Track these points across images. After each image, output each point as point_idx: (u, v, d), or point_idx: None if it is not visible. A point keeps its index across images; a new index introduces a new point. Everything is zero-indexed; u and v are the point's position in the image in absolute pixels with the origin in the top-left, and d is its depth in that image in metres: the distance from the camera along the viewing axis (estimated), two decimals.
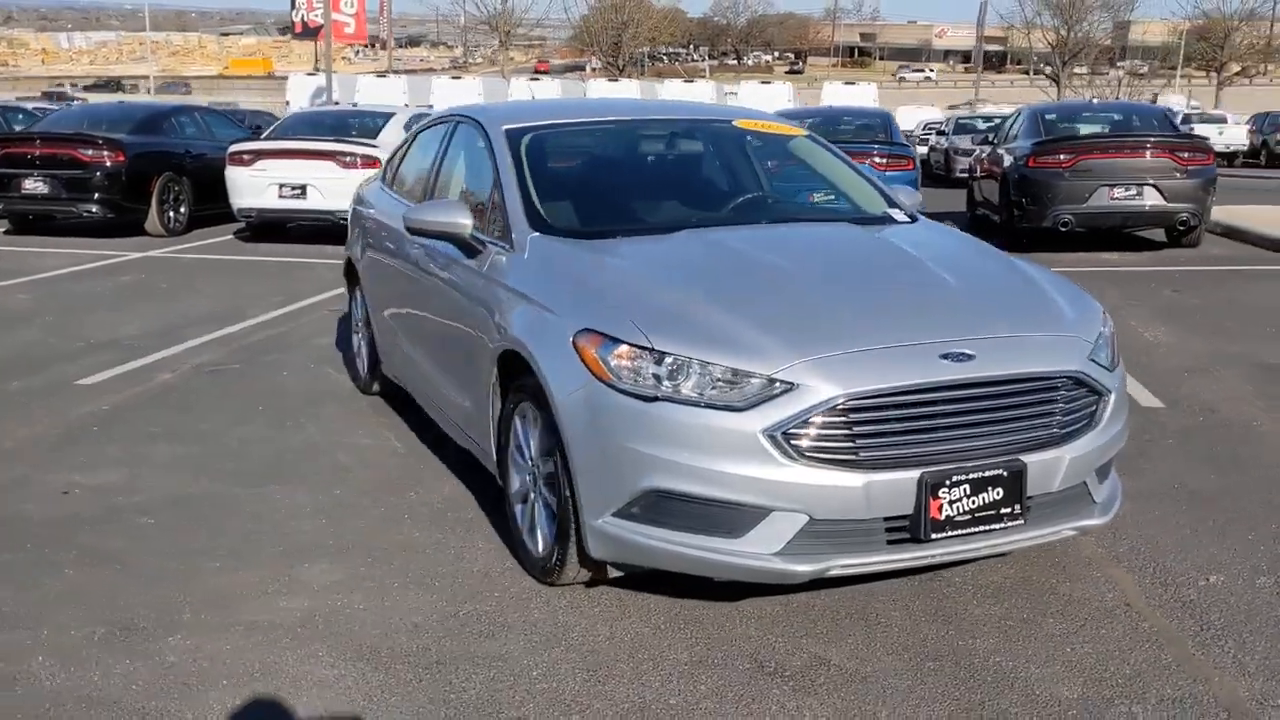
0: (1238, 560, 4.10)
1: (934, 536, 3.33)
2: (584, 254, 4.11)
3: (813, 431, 3.25)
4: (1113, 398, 3.67)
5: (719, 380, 3.31)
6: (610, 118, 5.36)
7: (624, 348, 3.44)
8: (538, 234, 4.24)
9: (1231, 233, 14.09)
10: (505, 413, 4.10)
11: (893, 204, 4.91)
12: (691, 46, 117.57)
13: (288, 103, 31.44)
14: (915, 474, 3.28)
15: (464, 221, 4.44)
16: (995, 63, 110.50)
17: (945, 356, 3.38)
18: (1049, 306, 3.84)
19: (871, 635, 3.54)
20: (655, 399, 3.35)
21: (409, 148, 6.16)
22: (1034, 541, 3.58)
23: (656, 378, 3.37)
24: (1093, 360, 3.64)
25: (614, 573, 3.71)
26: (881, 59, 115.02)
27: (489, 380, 4.19)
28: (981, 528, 3.39)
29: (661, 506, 3.38)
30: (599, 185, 4.96)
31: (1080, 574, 3.97)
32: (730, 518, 3.32)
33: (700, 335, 3.41)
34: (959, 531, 3.36)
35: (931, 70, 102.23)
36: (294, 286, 10.37)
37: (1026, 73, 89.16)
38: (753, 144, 5.33)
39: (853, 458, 3.26)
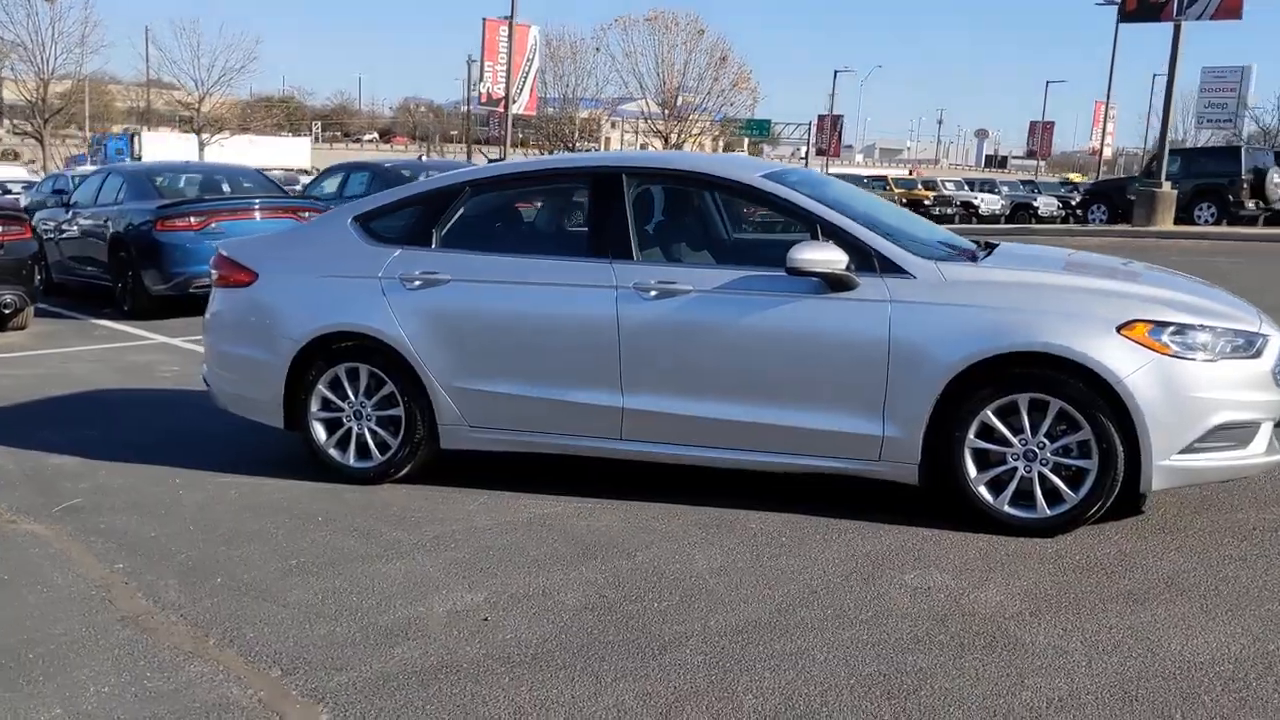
0: None
1: None
2: (992, 271, 5.03)
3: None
4: None
5: (1237, 340, 4.80)
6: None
7: (1172, 328, 4.71)
8: (934, 262, 5.00)
9: None
10: (964, 412, 4.82)
11: None
12: None
13: None
14: None
15: (844, 258, 4.92)
16: None
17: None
18: None
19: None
20: (1215, 360, 4.71)
21: (461, 208, 5.67)
22: None
23: (1204, 345, 4.73)
24: None
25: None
26: None
27: (931, 390, 4.83)
28: None
29: (1212, 437, 4.72)
30: (878, 220, 5.53)
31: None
32: (1247, 434, 4.81)
33: (1200, 311, 4.82)
34: None
35: None
36: None
37: None
38: None
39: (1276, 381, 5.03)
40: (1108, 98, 56.62)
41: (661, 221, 5.42)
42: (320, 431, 5.77)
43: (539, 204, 5.81)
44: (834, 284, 4.94)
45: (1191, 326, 4.73)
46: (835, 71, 67.33)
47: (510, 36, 31.95)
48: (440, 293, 5.50)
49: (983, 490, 4.88)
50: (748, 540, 4.85)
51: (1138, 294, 4.90)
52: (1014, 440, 4.81)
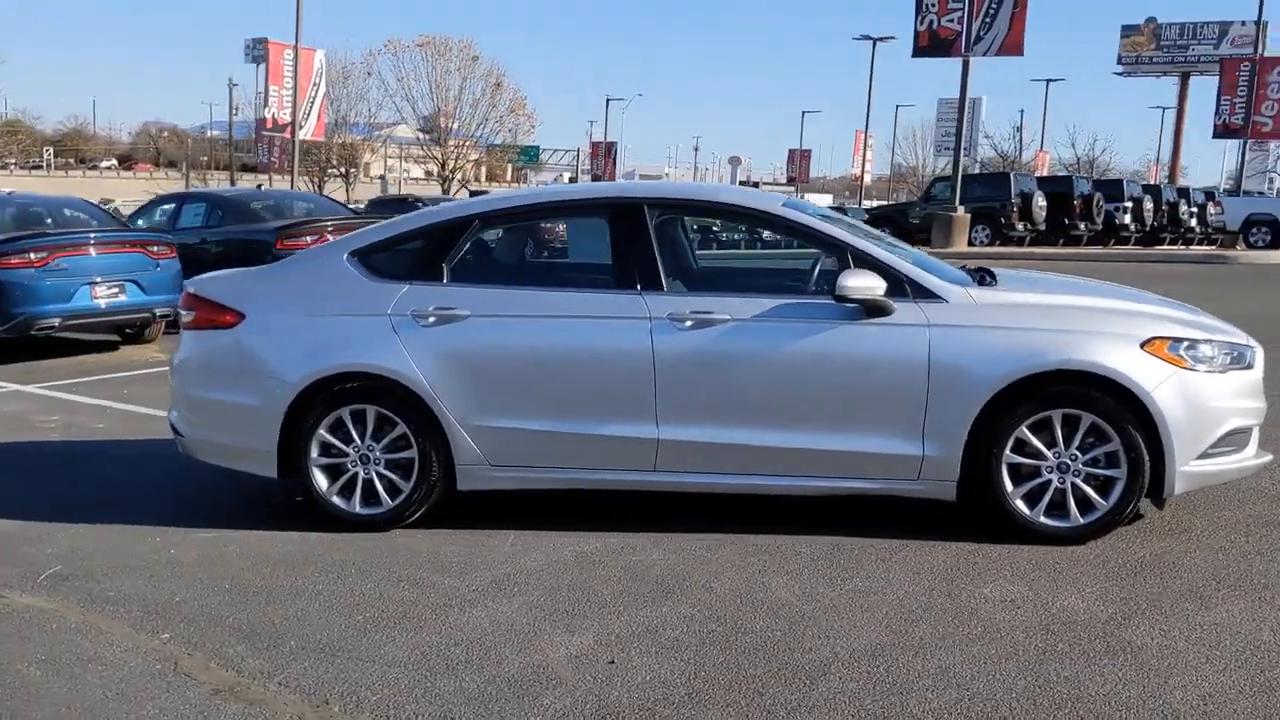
0: None
1: None
2: (1015, 294, 5.28)
3: None
4: None
5: (1234, 352, 5.22)
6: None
7: (1186, 343, 5.08)
8: (963, 287, 5.21)
9: None
10: (1001, 429, 5.03)
11: None
12: None
13: None
14: None
15: (883, 285, 5.07)
16: None
17: None
18: None
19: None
20: (1222, 371, 5.12)
21: (471, 241, 5.48)
22: None
23: (1211, 358, 5.12)
24: None
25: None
26: None
27: (970, 409, 5.03)
28: None
29: (1221, 442, 5.11)
30: (885, 246, 5.64)
31: None
32: (1245, 438, 5.24)
33: (1202, 327, 5.22)
34: None
35: None
36: None
37: None
38: None
39: None
40: (866, 127, 59.86)
41: (685, 251, 5.41)
42: (321, 479, 5.44)
43: (554, 236, 5.69)
44: (871, 310, 5.07)
45: (1200, 341, 5.11)
46: (607, 99, 68.31)
47: (296, 60, 30.91)
48: (458, 329, 5.31)
49: (1019, 503, 5.10)
50: (810, 565, 4.89)
51: (1149, 312, 5.26)
52: (1048, 454, 5.06)
